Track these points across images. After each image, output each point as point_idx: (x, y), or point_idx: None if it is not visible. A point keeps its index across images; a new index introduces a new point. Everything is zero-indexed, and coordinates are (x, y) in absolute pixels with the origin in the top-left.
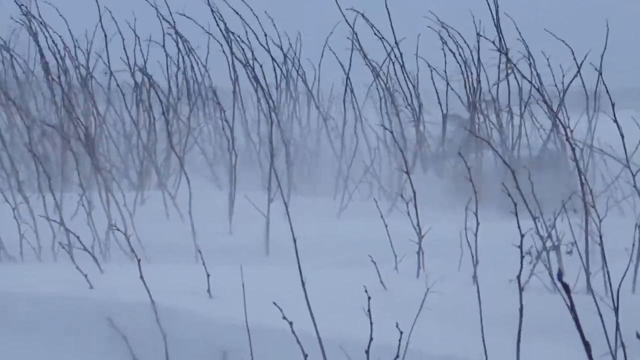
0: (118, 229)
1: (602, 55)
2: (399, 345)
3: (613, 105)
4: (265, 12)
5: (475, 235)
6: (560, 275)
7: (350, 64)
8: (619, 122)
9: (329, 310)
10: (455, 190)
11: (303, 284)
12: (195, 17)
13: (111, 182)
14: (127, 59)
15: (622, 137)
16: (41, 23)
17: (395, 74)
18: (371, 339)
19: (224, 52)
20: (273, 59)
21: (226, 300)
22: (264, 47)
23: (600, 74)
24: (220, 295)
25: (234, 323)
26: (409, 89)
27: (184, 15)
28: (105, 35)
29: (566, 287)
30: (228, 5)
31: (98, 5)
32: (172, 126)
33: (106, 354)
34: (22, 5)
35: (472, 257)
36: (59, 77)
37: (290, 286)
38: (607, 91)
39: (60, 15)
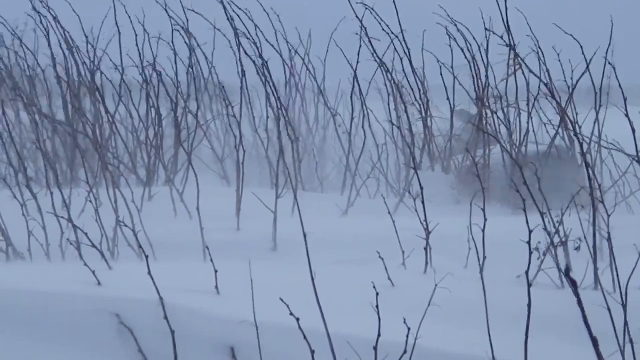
0: (126, 225)
1: (607, 50)
2: (407, 341)
3: (625, 99)
4: (275, 12)
5: (483, 231)
6: (567, 271)
7: (357, 60)
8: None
9: (336, 306)
10: (463, 186)
11: (313, 279)
12: (204, 13)
13: (119, 178)
14: (139, 54)
15: (634, 131)
16: (54, 18)
17: (403, 69)
18: (379, 335)
19: (231, 47)
20: (282, 56)
21: (234, 297)
22: (273, 44)
23: (614, 68)
24: (227, 291)
25: (241, 319)
26: (417, 84)
27: (195, 11)
28: (119, 32)
29: (573, 283)
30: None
31: (114, 1)
32: (180, 122)
33: (114, 350)
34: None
35: (477, 253)
36: (67, 73)
37: (298, 282)
38: (620, 85)
39: (74, 11)
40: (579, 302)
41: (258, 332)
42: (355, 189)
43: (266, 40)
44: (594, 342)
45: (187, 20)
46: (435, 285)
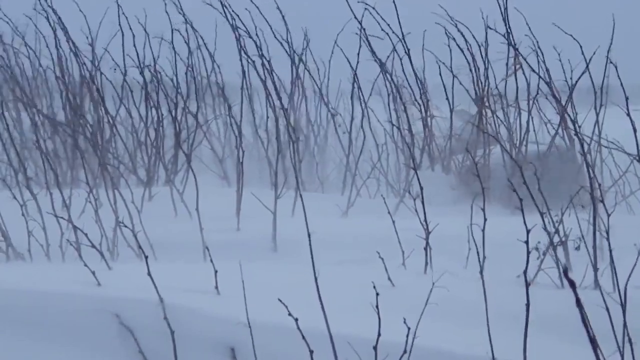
0: (125, 226)
1: (609, 50)
2: (407, 341)
3: (627, 99)
4: (278, 8)
5: (483, 231)
6: (565, 270)
7: (358, 60)
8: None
9: (336, 306)
10: (463, 186)
11: (316, 279)
12: (205, 13)
13: (119, 179)
14: (137, 55)
15: (635, 130)
16: (57, 19)
17: (403, 70)
18: (379, 335)
19: (238, 49)
20: (289, 53)
21: (234, 297)
22: (275, 44)
23: (616, 67)
24: (227, 291)
25: (241, 319)
26: (417, 84)
27: (208, 3)
28: (123, 33)
29: (572, 283)
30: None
31: (118, 4)
32: (180, 123)
33: (114, 350)
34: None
35: (478, 253)
36: (63, 75)
37: (298, 282)
38: (622, 85)
39: (81, 10)
40: (578, 302)
41: (257, 332)
42: (355, 189)
43: (277, 36)
44: (593, 342)
45: (186, 20)
46: (435, 284)
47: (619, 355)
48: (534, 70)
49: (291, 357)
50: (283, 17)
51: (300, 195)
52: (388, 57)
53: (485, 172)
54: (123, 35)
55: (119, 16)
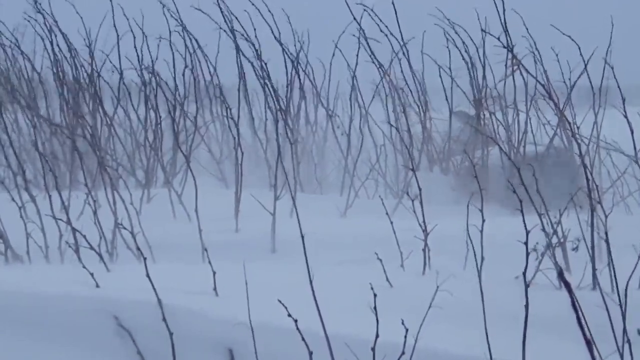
0: (124, 227)
1: (607, 51)
2: (405, 342)
3: (624, 100)
4: (283, 9)
5: (481, 232)
6: (561, 272)
7: (357, 62)
8: (627, 118)
9: (335, 307)
10: (461, 187)
11: (311, 281)
12: (204, 14)
13: (117, 180)
14: (137, 57)
15: (632, 131)
16: (53, 21)
17: (402, 72)
18: (377, 336)
19: (236, 50)
20: (285, 52)
21: (232, 298)
22: (277, 41)
23: (612, 68)
24: (226, 293)
25: (240, 321)
26: (415, 86)
27: (197, 8)
28: (118, 35)
29: (567, 284)
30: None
31: (112, 3)
32: (178, 124)
33: (113, 351)
34: (37, 1)
35: (474, 253)
36: (62, 77)
37: (297, 283)
38: (619, 86)
39: (77, 12)
40: (573, 303)
41: (256, 333)
42: (354, 190)
43: (277, 37)
44: (588, 344)
45: (181, 23)
46: (437, 286)
47: (618, 356)
48: (529, 73)
49: (290, 358)
50: (288, 18)
51: (293, 197)
52: (391, 62)
53: (484, 173)
54: (118, 36)
55: (113, 16)
